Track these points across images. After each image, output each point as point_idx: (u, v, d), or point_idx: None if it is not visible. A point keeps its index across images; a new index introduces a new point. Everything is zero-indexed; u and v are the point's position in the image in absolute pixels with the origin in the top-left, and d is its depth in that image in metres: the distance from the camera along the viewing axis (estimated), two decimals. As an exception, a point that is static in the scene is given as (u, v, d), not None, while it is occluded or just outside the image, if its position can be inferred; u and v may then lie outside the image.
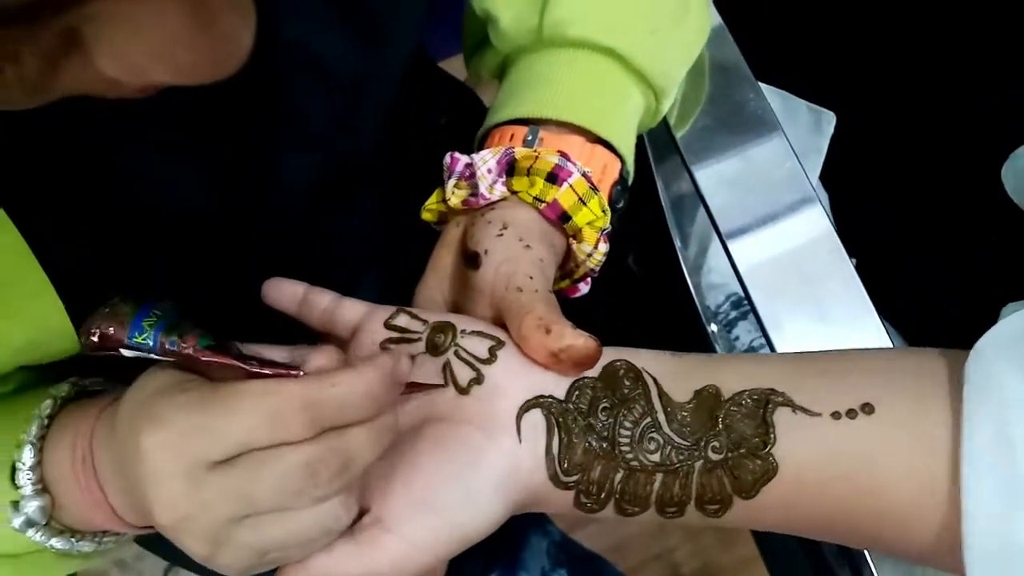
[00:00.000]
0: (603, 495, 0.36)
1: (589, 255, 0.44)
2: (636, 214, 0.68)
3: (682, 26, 0.50)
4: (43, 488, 0.37)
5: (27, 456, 0.37)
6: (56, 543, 0.38)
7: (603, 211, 0.43)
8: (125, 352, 0.36)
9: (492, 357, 0.37)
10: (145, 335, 0.35)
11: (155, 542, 0.48)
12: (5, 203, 0.35)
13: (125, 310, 0.35)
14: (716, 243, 0.55)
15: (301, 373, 0.32)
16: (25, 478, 0.37)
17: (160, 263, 0.45)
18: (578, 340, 0.36)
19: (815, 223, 0.53)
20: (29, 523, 0.37)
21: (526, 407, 0.36)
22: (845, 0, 0.68)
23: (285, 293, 0.42)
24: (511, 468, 0.36)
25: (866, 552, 0.47)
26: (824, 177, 0.62)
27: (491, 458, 0.36)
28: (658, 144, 0.58)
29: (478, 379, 0.37)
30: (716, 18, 0.59)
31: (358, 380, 0.32)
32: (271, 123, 0.44)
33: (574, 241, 0.44)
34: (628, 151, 0.47)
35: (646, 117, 0.51)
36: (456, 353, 0.38)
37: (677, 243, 0.59)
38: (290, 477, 0.31)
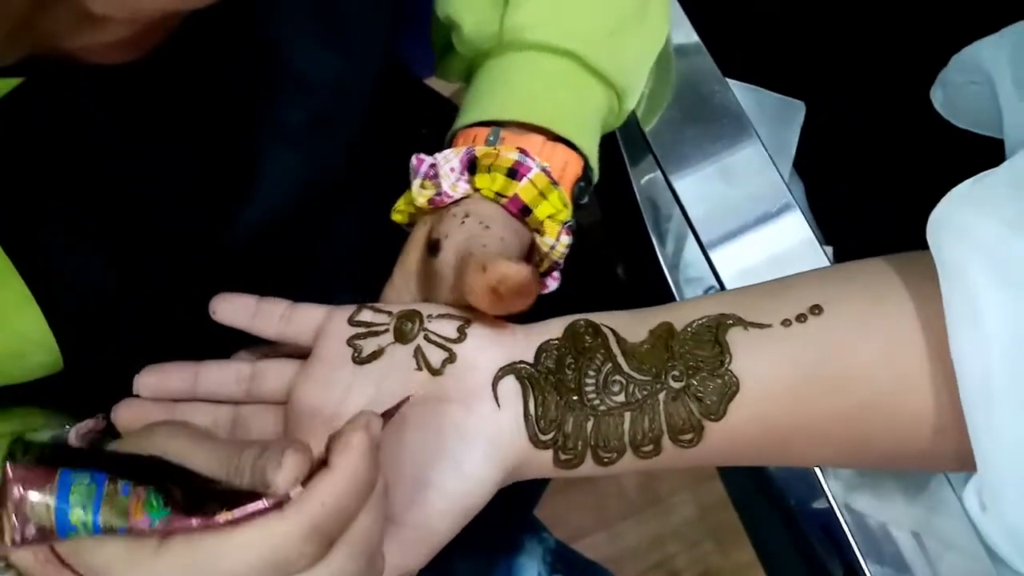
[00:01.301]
0: (579, 447, 0.36)
1: (552, 247, 0.44)
2: (617, 215, 0.69)
3: (642, 25, 0.51)
4: (7, 565, 0.34)
5: None
6: None
7: (564, 205, 0.44)
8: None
9: (462, 336, 0.38)
10: (82, 518, 0.27)
11: None
12: None
13: (39, 483, 0.27)
14: (692, 239, 0.56)
15: (266, 504, 0.28)
16: None
17: (159, 262, 0.45)
18: (510, 269, 0.36)
19: (795, 229, 0.53)
20: None
21: (499, 375, 0.37)
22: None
23: (237, 307, 0.42)
24: (495, 434, 0.36)
25: (860, 556, 0.47)
26: (797, 165, 0.63)
27: (474, 426, 0.36)
28: (630, 142, 0.59)
29: (451, 358, 0.38)
30: (687, 25, 0.60)
31: (346, 481, 0.29)
32: (251, 125, 0.45)
33: (537, 234, 0.44)
34: (590, 149, 0.48)
35: (610, 117, 0.52)
36: (426, 337, 0.39)
37: (655, 240, 0.59)
38: None
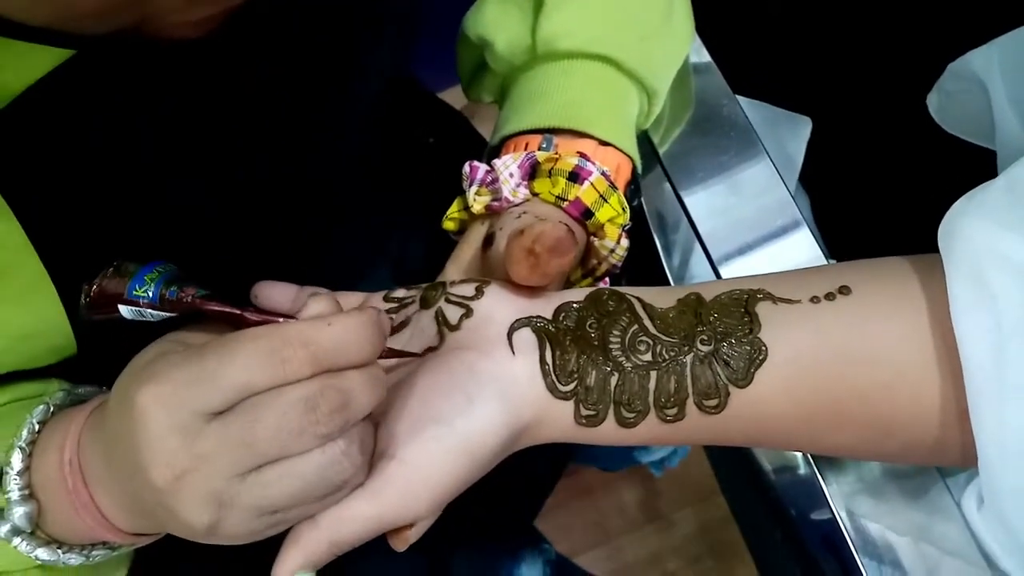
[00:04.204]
0: (601, 403, 0.37)
1: (612, 251, 0.45)
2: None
3: (668, 30, 0.52)
4: (30, 494, 0.37)
5: (16, 461, 0.37)
6: (42, 554, 0.38)
7: (623, 208, 0.45)
8: (123, 310, 0.37)
9: (479, 293, 0.39)
10: (145, 287, 0.37)
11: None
12: (6, 195, 0.35)
13: (129, 269, 0.37)
14: (699, 251, 0.57)
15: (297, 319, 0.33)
16: (13, 483, 0.37)
17: (178, 250, 0.46)
18: (545, 226, 0.38)
19: (803, 245, 0.54)
20: (15, 531, 0.37)
21: (515, 326, 0.38)
22: (805, 10, 0.70)
23: (278, 292, 0.43)
24: (508, 379, 0.37)
25: (862, 567, 0.47)
26: (803, 178, 0.63)
27: (487, 369, 0.37)
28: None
29: (467, 314, 0.39)
30: (697, 44, 0.61)
31: (352, 321, 0.32)
32: (256, 121, 0.45)
33: (595, 238, 0.45)
34: (635, 152, 0.49)
35: (639, 118, 0.52)
36: (446, 299, 0.40)
37: (661, 252, 0.60)
38: (290, 414, 0.30)
